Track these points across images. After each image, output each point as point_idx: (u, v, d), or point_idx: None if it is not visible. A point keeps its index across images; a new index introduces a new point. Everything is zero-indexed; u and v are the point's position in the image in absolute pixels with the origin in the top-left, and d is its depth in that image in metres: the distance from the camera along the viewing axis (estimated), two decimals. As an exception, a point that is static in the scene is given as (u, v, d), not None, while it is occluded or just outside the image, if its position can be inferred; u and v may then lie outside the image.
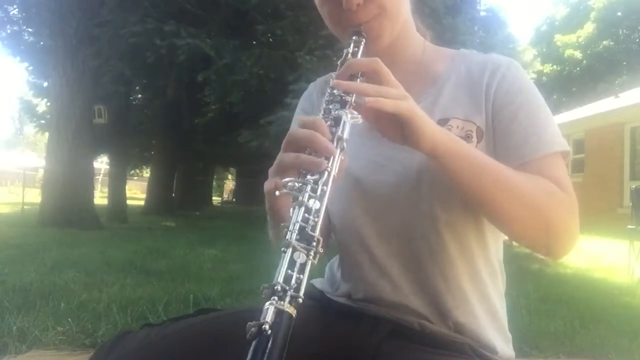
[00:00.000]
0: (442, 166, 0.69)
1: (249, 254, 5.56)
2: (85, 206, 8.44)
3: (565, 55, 27.72)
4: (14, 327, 2.38)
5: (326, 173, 0.60)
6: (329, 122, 0.64)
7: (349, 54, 0.76)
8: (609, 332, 2.80)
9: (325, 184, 0.59)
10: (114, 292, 3.30)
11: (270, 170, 0.65)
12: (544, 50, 29.50)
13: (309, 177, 0.60)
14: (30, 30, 11.24)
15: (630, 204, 5.95)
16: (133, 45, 7.90)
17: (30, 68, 13.10)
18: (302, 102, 1.01)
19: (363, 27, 0.79)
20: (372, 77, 0.68)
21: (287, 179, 0.59)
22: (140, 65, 8.86)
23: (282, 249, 0.55)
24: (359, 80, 0.69)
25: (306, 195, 0.58)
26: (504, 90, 0.81)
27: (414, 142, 0.66)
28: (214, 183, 30.18)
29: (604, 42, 26.22)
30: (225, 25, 8.98)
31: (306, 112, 0.98)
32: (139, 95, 13.98)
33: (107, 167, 15.83)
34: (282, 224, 0.57)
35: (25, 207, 12.05)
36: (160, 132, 14.13)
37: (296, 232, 0.56)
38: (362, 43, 0.78)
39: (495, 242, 0.86)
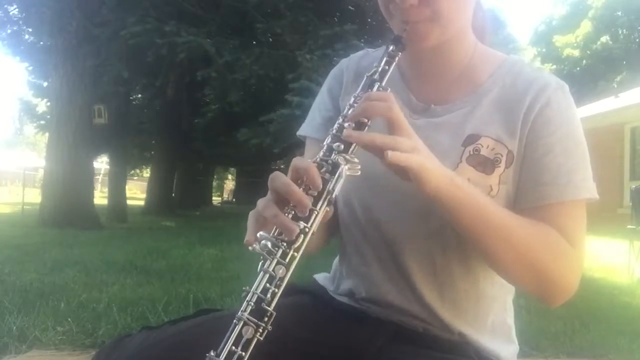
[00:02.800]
0: (442, 211, 0.69)
1: (249, 254, 5.51)
2: (85, 206, 8.44)
3: (564, 54, 27.74)
4: (14, 327, 2.38)
5: (302, 236, 0.59)
6: (324, 168, 0.62)
7: (377, 73, 0.71)
8: (609, 332, 2.80)
9: (298, 249, 0.59)
10: (114, 292, 3.30)
11: (251, 213, 0.64)
12: (543, 50, 29.51)
13: (284, 236, 0.59)
14: (30, 30, 11.23)
15: (630, 204, 5.95)
16: (133, 45, 7.90)
17: (30, 68, 13.11)
18: (331, 81, 0.94)
19: (409, 27, 0.73)
20: (388, 123, 0.66)
21: (262, 234, 0.59)
22: (140, 65, 8.86)
23: (234, 321, 0.57)
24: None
25: (274, 262, 0.58)
26: (545, 117, 0.76)
27: (416, 186, 0.65)
28: (214, 183, 30.17)
29: (602, 40, 26.23)
30: (225, 24, 8.98)
31: (332, 92, 0.92)
32: (139, 95, 13.97)
33: (107, 167, 15.84)
34: (243, 288, 0.58)
35: (25, 207, 12.05)
36: (160, 132, 14.13)
37: (252, 304, 0.57)
38: (397, 58, 0.73)
39: None
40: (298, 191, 0.59)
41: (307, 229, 0.59)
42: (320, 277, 0.98)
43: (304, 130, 0.93)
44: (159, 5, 8.35)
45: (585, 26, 26.77)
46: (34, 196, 13.45)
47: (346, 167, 0.62)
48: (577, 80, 26.03)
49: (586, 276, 5.09)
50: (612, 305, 3.64)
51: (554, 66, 27.99)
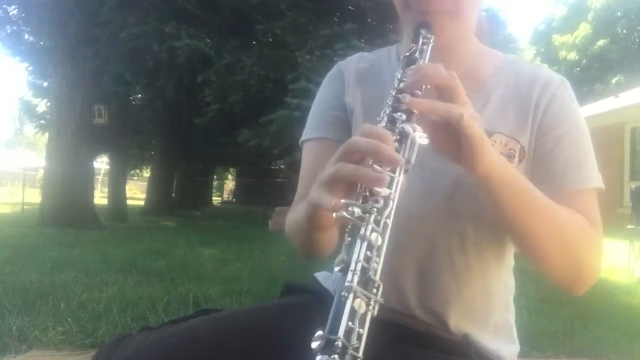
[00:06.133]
0: (491, 193, 0.66)
1: (249, 254, 5.56)
2: (85, 206, 8.44)
3: (562, 55, 27.75)
4: (14, 327, 2.38)
5: (390, 202, 0.53)
6: (394, 137, 0.57)
7: (417, 51, 0.69)
8: (609, 332, 2.80)
9: (389, 216, 0.52)
10: (114, 292, 3.30)
11: (320, 181, 0.57)
12: (542, 50, 29.52)
13: (371, 203, 0.52)
14: (30, 30, 11.22)
15: (630, 204, 5.95)
16: (133, 47, 7.91)
17: (30, 68, 13.10)
18: (330, 83, 0.93)
19: (429, 17, 0.73)
20: (446, 91, 0.62)
21: (346, 201, 0.52)
22: (140, 66, 8.85)
23: (343, 293, 0.48)
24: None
25: (369, 228, 0.50)
26: (552, 111, 0.79)
27: (469, 165, 0.62)
28: (214, 183, 30.17)
29: (600, 42, 26.22)
30: (225, 25, 8.97)
31: (335, 94, 0.90)
32: (139, 95, 13.96)
33: (107, 167, 15.84)
34: (338, 258, 0.51)
35: (25, 207, 12.05)
36: (160, 132, 14.14)
37: (358, 274, 0.48)
38: (431, 40, 0.71)
39: (511, 258, 0.86)
40: (388, 147, 0.54)
41: (392, 195, 0.53)
42: (322, 276, 0.97)
43: (306, 134, 0.91)
44: (158, 6, 8.35)
45: (584, 28, 26.77)
46: (34, 196, 13.45)
47: (417, 134, 0.58)
48: (575, 81, 26.00)
49: (586, 276, 5.07)
50: (612, 305, 3.64)
51: (555, 67, 27.96)
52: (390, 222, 0.52)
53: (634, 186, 6.00)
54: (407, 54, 0.71)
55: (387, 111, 0.62)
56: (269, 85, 8.20)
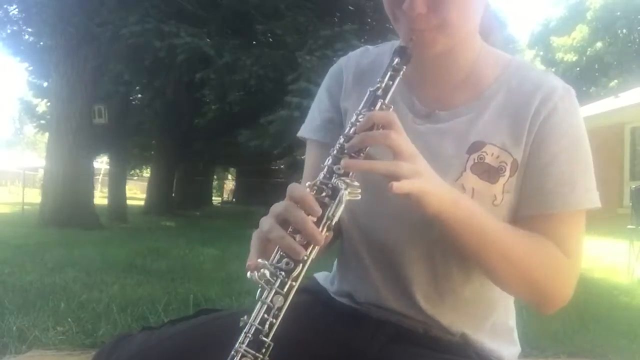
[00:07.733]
0: (444, 229, 0.69)
1: (248, 254, 5.55)
2: (85, 206, 8.44)
3: (558, 57, 27.72)
4: (14, 327, 2.37)
5: (300, 265, 0.59)
6: (324, 193, 0.62)
7: (380, 89, 0.69)
8: (609, 332, 2.80)
9: (295, 279, 0.59)
10: (114, 292, 3.30)
11: (256, 232, 0.64)
12: (541, 52, 29.49)
13: (283, 264, 0.59)
14: (30, 30, 11.22)
15: (630, 204, 5.95)
16: (132, 46, 7.91)
17: (30, 68, 13.11)
18: (330, 80, 0.92)
19: (415, 35, 0.72)
20: (390, 149, 0.65)
21: (261, 262, 0.60)
22: (140, 65, 8.86)
23: (232, 353, 0.57)
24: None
25: (272, 293, 0.58)
26: (551, 124, 0.75)
27: (419, 207, 0.66)
28: (214, 183, 30.16)
29: (597, 47, 26.17)
30: (225, 25, 8.98)
31: (332, 92, 0.90)
32: (139, 95, 13.96)
33: (107, 167, 15.85)
34: (241, 318, 0.59)
35: (25, 207, 12.05)
36: (160, 132, 14.14)
37: (250, 336, 0.57)
38: (401, 72, 0.71)
39: None
40: (312, 226, 0.59)
41: (305, 257, 0.59)
42: (321, 277, 0.97)
43: (304, 131, 0.92)
44: (159, 5, 8.35)
45: (582, 29, 26.71)
46: (34, 196, 13.46)
47: (346, 191, 0.62)
48: (573, 82, 25.92)
49: (586, 276, 5.08)
50: (612, 305, 3.64)
51: (553, 69, 27.94)
52: (297, 284, 0.59)
53: (634, 186, 6.01)
54: (372, 89, 0.70)
55: (329, 162, 0.65)
56: (269, 85, 8.20)
